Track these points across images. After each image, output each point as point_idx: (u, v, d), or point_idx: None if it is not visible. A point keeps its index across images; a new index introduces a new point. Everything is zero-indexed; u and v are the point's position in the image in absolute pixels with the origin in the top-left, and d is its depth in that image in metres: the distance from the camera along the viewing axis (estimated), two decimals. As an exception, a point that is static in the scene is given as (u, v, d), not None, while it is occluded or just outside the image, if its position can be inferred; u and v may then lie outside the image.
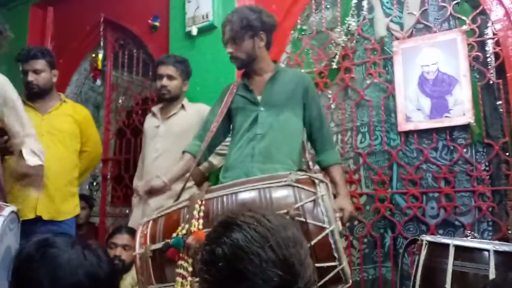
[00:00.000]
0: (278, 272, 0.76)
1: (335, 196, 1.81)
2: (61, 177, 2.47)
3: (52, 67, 2.56)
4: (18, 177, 1.85)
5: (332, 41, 2.62)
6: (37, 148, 1.93)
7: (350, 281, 1.54)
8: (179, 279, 1.53)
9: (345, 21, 2.60)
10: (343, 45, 2.59)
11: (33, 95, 2.52)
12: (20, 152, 1.89)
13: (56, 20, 3.83)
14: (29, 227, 2.23)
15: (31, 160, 1.84)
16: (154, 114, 2.68)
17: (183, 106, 2.60)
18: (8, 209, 1.53)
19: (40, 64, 2.49)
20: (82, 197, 2.87)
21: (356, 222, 2.41)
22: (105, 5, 3.47)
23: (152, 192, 1.97)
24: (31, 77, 2.47)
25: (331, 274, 1.49)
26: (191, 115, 2.56)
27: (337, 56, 2.58)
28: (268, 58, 2.06)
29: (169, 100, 2.59)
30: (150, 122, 2.68)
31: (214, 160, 2.43)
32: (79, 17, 3.64)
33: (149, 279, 1.59)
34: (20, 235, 1.71)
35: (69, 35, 3.69)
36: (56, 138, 2.50)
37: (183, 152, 2.07)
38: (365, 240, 2.41)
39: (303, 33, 2.78)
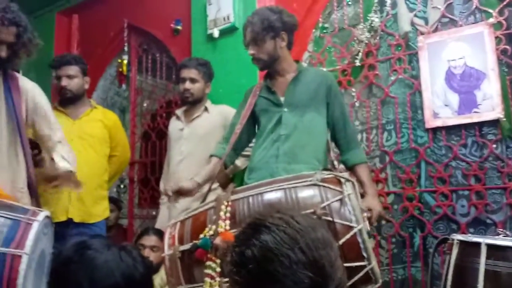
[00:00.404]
0: (308, 274, 0.75)
1: (362, 196, 1.79)
2: (91, 181, 2.53)
3: (84, 74, 2.64)
4: (49, 180, 1.89)
5: (355, 38, 2.59)
6: (67, 154, 1.97)
7: (380, 281, 1.52)
8: (207, 279, 1.55)
9: (368, 18, 2.56)
10: (366, 42, 2.55)
11: (66, 100, 2.60)
12: (52, 157, 1.93)
13: (81, 27, 3.93)
14: (61, 229, 2.30)
15: (61, 165, 1.88)
16: (178, 117, 2.70)
17: (206, 108, 2.62)
18: (42, 214, 1.57)
19: (74, 70, 2.58)
20: (111, 199, 2.93)
21: (384, 222, 2.37)
22: (129, 11, 3.53)
23: (182, 193, 1.99)
24: (64, 82, 2.55)
25: (360, 274, 1.47)
26: (214, 117, 2.58)
27: (360, 53, 2.55)
28: (290, 58, 2.06)
29: (192, 103, 2.61)
30: (174, 125, 2.71)
31: (238, 161, 2.44)
32: (103, 24, 3.72)
33: (178, 280, 1.61)
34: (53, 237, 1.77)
35: (94, 41, 3.77)
36: (87, 142, 2.57)
37: (211, 156, 2.09)
38: (394, 239, 2.37)
39: (325, 31, 2.75)
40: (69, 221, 2.42)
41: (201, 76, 2.57)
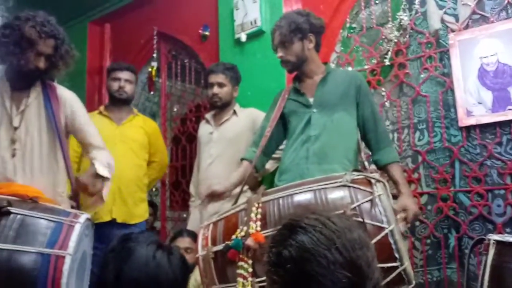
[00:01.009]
0: (346, 274, 0.76)
1: (395, 197, 1.77)
2: (133, 183, 2.66)
3: (135, 81, 2.84)
4: (83, 188, 1.92)
5: (384, 37, 2.57)
6: (108, 160, 2.02)
7: (414, 282, 1.49)
8: (240, 279, 1.57)
9: (397, 16, 2.53)
10: (396, 40, 2.53)
11: (117, 101, 2.75)
12: (92, 164, 1.99)
13: (113, 36, 4.05)
14: (104, 229, 2.42)
15: (101, 170, 1.93)
16: (207, 121, 2.74)
17: (235, 112, 2.65)
18: (84, 216, 1.64)
19: (131, 76, 2.77)
20: (148, 203, 3.01)
21: (418, 223, 2.33)
22: (158, 18, 3.62)
23: (214, 196, 2.02)
24: (123, 83, 2.72)
25: (393, 275, 1.45)
26: (243, 120, 2.61)
27: (389, 52, 2.52)
28: (318, 60, 2.06)
29: (221, 107, 2.65)
30: (204, 129, 2.75)
31: (267, 164, 2.45)
32: (134, 32, 3.82)
33: (212, 280, 1.64)
34: (97, 237, 1.85)
35: (125, 49, 3.88)
36: (128, 147, 2.69)
37: (242, 159, 2.11)
38: (428, 241, 2.32)
39: (352, 31, 2.74)
40: (113, 222, 2.54)
41: (228, 80, 2.61)
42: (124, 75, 2.74)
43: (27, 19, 1.75)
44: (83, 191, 1.91)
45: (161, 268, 1.07)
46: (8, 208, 1.46)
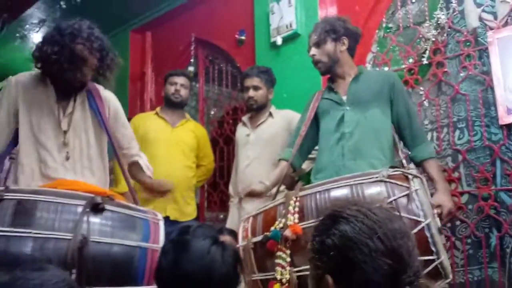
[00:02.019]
0: (387, 261, 0.79)
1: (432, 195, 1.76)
2: (184, 183, 2.82)
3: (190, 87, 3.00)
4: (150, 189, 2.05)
5: (421, 36, 2.56)
6: (147, 164, 2.12)
7: (451, 276, 1.48)
8: (278, 268, 1.62)
9: (434, 15, 2.52)
10: (433, 39, 2.51)
11: (172, 104, 2.90)
12: (137, 163, 2.08)
13: (153, 43, 4.21)
14: None
15: (145, 169, 2.04)
16: (244, 124, 2.80)
17: (270, 114, 2.69)
18: (160, 214, 1.75)
19: (186, 81, 2.95)
20: None
21: (458, 222, 2.29)
22: (196, 25, 3.74)
23: (253, 195, 2.07)
24: (179, 87, 2.90)
25: (429, 268, 1.45)
26: (279, 121, 2.65)
27: (427, 51, 2.51)
28: (351, 62, 2.10)
29: (257, 109, 2.70)
30: (241, 131, 2.81)
31: (303, 164, 2.48)
32: (173, 39, 3.96)
33: (251, 269, 1.70)
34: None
35: (165, 56, 4.03)
36: (181, 149, 2.86)
37: (279, 160, 2.17)
38: (469, 240, 2.28)
39: (388, 30, 2.74)
40: (166, 219, 2.61)
41: (263, 83, 2.66)
42: (180, 80, 2.91)
43: (73, 34, 1.75)
44: (150, 191, 2.04)
45: (214, 262, 1.11)
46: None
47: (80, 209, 1.50)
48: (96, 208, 1.52)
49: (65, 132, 1.82)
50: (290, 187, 2.42)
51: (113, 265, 1.47)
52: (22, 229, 1.39)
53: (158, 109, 2.98)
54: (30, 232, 1.39)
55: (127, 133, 2.06)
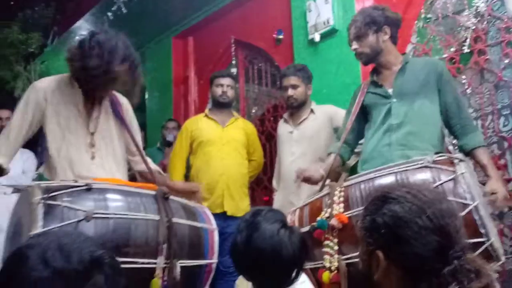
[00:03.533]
0: (436, 238, 0.85)
1: (484, 183, 1.75)
2: (239, 179, 2.93)
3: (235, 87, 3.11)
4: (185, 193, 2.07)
5: (461, 25, 2.54)
6: (157, 169, 2.15)
7: (503, 258, 1.48)
8: (327, 257, 1.66)
9: (473, 3, 2.50)
10: (473, 27, 2.49)
11: (220, 105, 3.00)
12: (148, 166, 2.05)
13: (195, 48, 4.37)
14: (216, 220, 2.61)
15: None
16: (286, 120, 2.85)
17: (312, 110, 2.73)
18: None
19: (232, 82, 3.03)
20: None
21: (506, 209, 2.26)
22: (234, 27, 3.85)
23: (307, 180, 2.09)
24: (225, 88, 2.98)
25: (479, 251, 1.44)
26: (320, 117, 2.69)
27: (468, 40, 2.49)
28: (395, 51, 2.07)
29: (297, 107, 2.74)
30: (283, 128, 2.85)
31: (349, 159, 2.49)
32: (213, 42, 4.10)
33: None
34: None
35: (206, 59, 4.17)
36: (233, 147, 2.95)
37: (329, 153, 2.19)
38: (518, 228, 2.25)
39: (428, 21, 2.73)
40: (224, 214, 2.78)
41: (301, 80, 2.70)
42: (226, 81, 2.99)
43: (111, 53, 1.76)
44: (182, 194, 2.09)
45: (283, 243, 1.25)
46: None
47: (150, 197, 1.68)
48: (164, 197, 1.70)
49: (92, 134, 1.89)
50: (336, 180, 2.46)
51: (189, 242, 1.71)
52: (121, 212, 1.56)
53: (206, 111, 3.08)
54: (126, 214, 1.56)
55: (138, 139, 2.08)
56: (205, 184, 2.79)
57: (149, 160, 2.12)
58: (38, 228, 1.40)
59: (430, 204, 0.88)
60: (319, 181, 2.06)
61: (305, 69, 2.74)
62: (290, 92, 2.69)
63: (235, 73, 3.80)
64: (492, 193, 1.66)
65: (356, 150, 2.32)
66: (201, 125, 2.99)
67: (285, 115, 2.89)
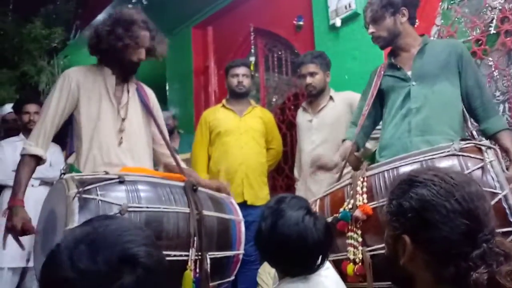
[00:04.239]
0: (464, 222, 0.83)
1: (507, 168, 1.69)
2: (258, 169, 2.93)
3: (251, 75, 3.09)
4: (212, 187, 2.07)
5: (487, 5, 2.45)
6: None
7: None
8: (350, 248, 1.65)
9: (500, -18, 2.40)
10: (500, 7, 2.40)
11: (237, 95, 3.00)
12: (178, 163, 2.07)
13: (214, 37, 4.35)
14: None
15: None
16: (305, 109, 2.83)
17: (331, 98, 2.70)
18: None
19: (247, 71, 3.02)
20: None
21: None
22: (254, 15, 3.81)
23: (324, 168, 2.09)
24: (241, 78, 2.97)
25: (509, 239, 1.42)
26: (340, 104, 2.66)
27: (494, 20, 2.40)
28: (414, 33, 2.01)
29: (316, 95, 2.72)
30: (303, 117, 2.83)
31: (369, 144, 2.45)
32: (233, 31, 4.07)
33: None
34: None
35: (226, 48, 4.15)
36: (251, 136, 2.95)
37: (343, 140, 2.17)
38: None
39: (452, 2, 2.64)
40: (244, 203, 2.78)
41: (319, 67, 2.66)
42: (241, 70, 2.98)
43: (128, 19, 1.88)
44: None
45: (308, 230, 1.27)
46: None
47: (180, 189, 1.70)
48: (192, 189, 1.72)
49: (123, 120, 1.93)
50: (356, 167, 2.43)
51: (218, 234, 1.74)
52: (154, 206, 1.58)
53: (224, 101, 3.08)
54: (159, 207, 1.59)
55: (165, 132, 2.10)
56: (224, 174, 2.82)
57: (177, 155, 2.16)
58: (75, 223, 1.41)
59: (458, 187, 0.86)
60: (334, 167, 2.04)
61: (322, 56, 2.70)
62: (309, 80, 2.66)
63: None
64: None
65: (375, 135, 2.28)
66: (219, 115, 3.00)
67: (304, 104, 2.86)
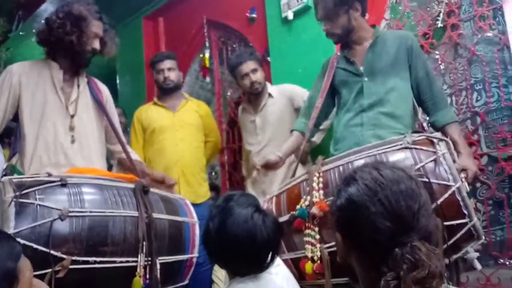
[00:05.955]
0: (387, 224, 0.81)
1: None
2: (195, 165, 2.84)
3: (178, 68, 2.96)
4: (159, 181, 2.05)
5: None
6: (138, 158, 2.15)
7: (483, 237, 1.50)
8: (308, 246, 1.64)
9: (446, -23, 2.48)
10: (446, 1, 2.47)
11: (167, 91, 2.88)
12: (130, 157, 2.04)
13: (166, 29, 4.22)
14: None
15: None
16: (245, 109, 2.78)
17: (270, 95, 2.67)
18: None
19: (172, 63, 2.89)
20: (212, 187, 3.18)
21: (478, 184, 2.31)
22: (207, 7, 3.72)
23: (269, 167, 2.05)
24: (167, 73, 2.85)
25: (462, 231, 1.47)
26: (279, 100, 2.64)
27: (441, 14, 2.47)
28: (365, 25, 2.02)
29: (259, 93, 2.66)
30: (245, 118, 2.78)
31: (314, 136, 2.46)
32: (185, 23, 3.95)
33: (281, 250, 1.71)
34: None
35: (178, 40, 4.03)
36: (187, 131, 2.85)
37: (292, 131, 2.15)
38: (490, 202, 2.29)
39: (401, -4, 2.70)
40: None
41: (257, 64, 2.63)
42: (166, 64, 2.85)
43: (72, 4, 1.86)
44: (158, 184, 2.05)
45: (257, 227, 1.24)
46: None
47: (129, 191, 1.64)
48: (143, 190, 1.66)
49: (72, 116, 1.87)
50: (303, 160, 2.42)
51: (169, 238, 1.69)
52: (98, 210, 1.52)
53: (155, 98, 2.97)
54: (104, 212, 1.53)
55: (119, 128, 2.07)
56: None
57: (129, 148, 2.10)
58: (11, 229, 1.35)
59: (384, 186, 0.84)
60: (278, 164, 2.03)
61: (254, 52, 2.69)
62: (253, 77, 2.60)
63: (208, 55, 3.71)
64: (463, 170, 1.65)
65: (322, 127, 2.29)
66: (151, 113, 2.89)
67: (244, 104, 2.81)
